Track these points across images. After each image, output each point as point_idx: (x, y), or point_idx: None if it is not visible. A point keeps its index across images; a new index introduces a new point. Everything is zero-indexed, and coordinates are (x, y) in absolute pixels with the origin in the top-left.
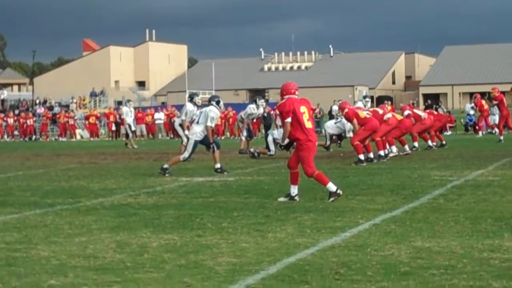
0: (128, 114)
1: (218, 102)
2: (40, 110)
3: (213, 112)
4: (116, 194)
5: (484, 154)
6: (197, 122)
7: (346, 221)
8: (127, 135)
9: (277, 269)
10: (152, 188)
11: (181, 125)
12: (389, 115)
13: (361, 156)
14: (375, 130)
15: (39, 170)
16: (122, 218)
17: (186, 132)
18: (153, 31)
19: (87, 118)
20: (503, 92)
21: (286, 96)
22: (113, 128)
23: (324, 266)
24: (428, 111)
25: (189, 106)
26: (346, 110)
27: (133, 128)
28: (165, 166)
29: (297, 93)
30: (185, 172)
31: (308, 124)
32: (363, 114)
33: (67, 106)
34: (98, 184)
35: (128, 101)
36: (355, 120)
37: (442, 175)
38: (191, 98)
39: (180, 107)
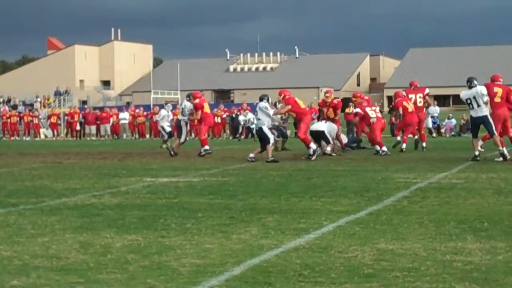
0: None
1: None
2: (4, 108)
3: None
4: (80, 194)
5: (447, 157)
6: None
7: (310, 223)
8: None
9: (241, 271)
10: (116, 188)
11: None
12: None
13: (313, 145)
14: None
15: (2, 169)
16: (86, 218)
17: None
18: (119, 30)
19: (49, 117)
20: None
21: None
22: (77, 127)
23: (287, 268)
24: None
25: (188, 104)
26: (287, 96)
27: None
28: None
29: None
30: (149, 172)
31: None
32: (302, 104)
33: (32, 105)
34: (61, 184)
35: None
36: (288, 106)
37: (406, 177)
38: (189, 97)
39: (146, 107)
